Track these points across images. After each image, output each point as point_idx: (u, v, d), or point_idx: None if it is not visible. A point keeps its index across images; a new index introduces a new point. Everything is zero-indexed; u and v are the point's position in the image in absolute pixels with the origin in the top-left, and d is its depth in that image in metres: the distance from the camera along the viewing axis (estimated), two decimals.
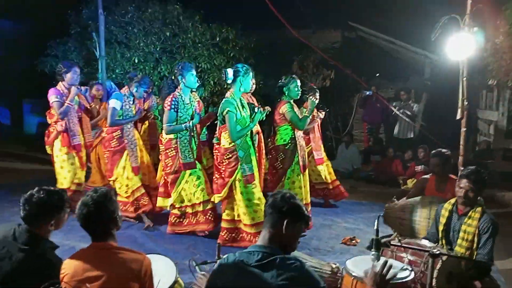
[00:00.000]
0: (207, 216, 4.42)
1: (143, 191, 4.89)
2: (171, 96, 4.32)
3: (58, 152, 4.93)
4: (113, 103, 4.70)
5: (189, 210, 4.43)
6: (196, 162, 4.43)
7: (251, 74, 4.21)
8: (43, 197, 2.23)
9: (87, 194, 2.14)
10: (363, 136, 9.83)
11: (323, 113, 5.60)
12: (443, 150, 4.22)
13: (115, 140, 4.77)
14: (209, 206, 4.43)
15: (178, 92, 4.33)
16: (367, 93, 9.09)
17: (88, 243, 2.18)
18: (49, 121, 5.04)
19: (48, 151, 5.04)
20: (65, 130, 4.88)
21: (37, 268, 2.13)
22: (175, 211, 4.44)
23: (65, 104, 4.80)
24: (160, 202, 4.60)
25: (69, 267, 2.07)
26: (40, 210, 2.22)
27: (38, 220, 2.23)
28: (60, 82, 4.89)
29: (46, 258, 2.18)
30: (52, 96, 4.81)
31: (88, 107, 5.58)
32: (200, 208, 4.40)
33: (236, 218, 4.19)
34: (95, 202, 2.08)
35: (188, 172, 4.34)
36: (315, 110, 5.45)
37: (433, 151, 4.28)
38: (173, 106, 4.24)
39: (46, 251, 2.21)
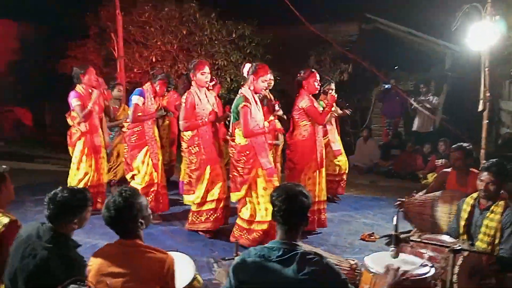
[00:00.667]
0: (221, 214, 4.39)
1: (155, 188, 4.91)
2: (187, 93, 4.34)
3: (79, 153, 5.04)
4: (136, 99, 4.74)
5: (209, 206, 4.41)
6: (218, 158, 4.42)
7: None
8: (66, 196, 2.27)
9: (112, 196, 2.18)
10: (383, 130, 9.70)
11: (348, 111, 5.55)
12: (464, 144, 4.13)
13: (135, 136, 4.80)
14: (222, 204, 4.38)
15: (193, 89, 4.33)
16: (386, 86, 8.95)
17: (109, 240, 2.23)
18: (69, 122, 5.16)
19: (70, 152, 5.17)
20: (88, 131, 5.00)
21: (61, 266, 2.16)
22: (196, 208, 4.44)
23: (88, 107, 4.93)
24: (187, 199, 4.57)
25: (95, 262, 2.12)
26: (64, 209, 2.26)
27: (61, 219, 2.27)
28: (78, 85, 5.00)
29: (69, 256, 2.22)
30: (73, 100, 4.93)
31: (107, 104, 5.62)
32: (216, 205, 4.37)
33: (251, 218, 4.12)
34: (116, 206, 2.11)
35: (208, 168, 4.33)
36: (337, 107, 5.44)
37: (454, 145, 4.19)
38: (189, 103, 4.25)
39: (69, 250, 2.25)
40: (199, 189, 4.35)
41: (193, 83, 4.36)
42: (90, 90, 5.06)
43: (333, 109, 4.98)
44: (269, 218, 4.04)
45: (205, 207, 4.38)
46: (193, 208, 4.45)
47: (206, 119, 4.31)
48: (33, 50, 10.82)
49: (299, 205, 1.98)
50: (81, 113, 4.91)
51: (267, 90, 5.35)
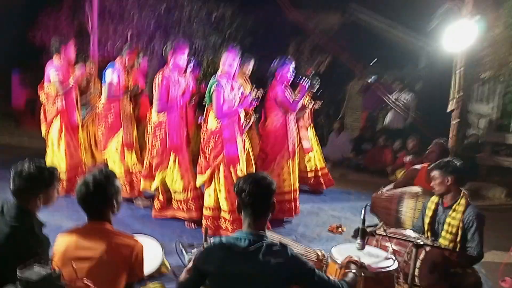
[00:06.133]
0: (188, 205, 4.30)
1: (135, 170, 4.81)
2: (161, 73, 4.17)
3: (56, 132, 4.84)
4: (109, 75, 4.57)
5: (172, 195, 4.34)
6: (184, 146, 4.32)
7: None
8: (33, 171, 2.20)
9: (91, 173, 2.13)
10: (357, 124, 9.81)
11: (319, 103, 5.57)
12: (445, 143, 4.27)
13: (112, 115, 4.65)
14: (189, 195, 4.29)
15: (167, 71, 4.18)
16: (371, 79, 8.90)
17: (75, 222, 2.17)
18: (42, 98, 4.90)
19: (43, 130, 4.93)
20: (65, 109, 4.79)
21: (25, 244, 2.11)
22: (160, 196, 4.34)
23: (70, 82, 4.72)
24: (144, 184, 4.47)
25: (62, 243, 2.07)
26: (30, 184, 2.19)
27: (27, 194, 2.20)
28: (55, 56, 4.76)
29: (33, 234, 2.16)
30: (52, 72, 4.68)
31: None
32: (181, 197, 4.29)
33: (216, 205, 4.09)
34: (96, 182, 2.07)
35: (173, 156, 4.23)
36: (311, 100, 5.45)
37: (436, 140, 4.31)
38: (164, 85, 4.11)
39: (34, 228, 2.18)
40: (159, 176, 4.25)
41: (169, 64, 4.21)
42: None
43: (305, 101, 4.95)
44: (227, 208, 4.02)
45: (170, 196, 4.28)
46: (158, 195, 4.35)
47: (181, 103, 4.20)
48: (1, 16, 10.27)
49: (265, 188, 1.97)
50: (60, 87, 4.69)
51: (245, 77, 5.33)
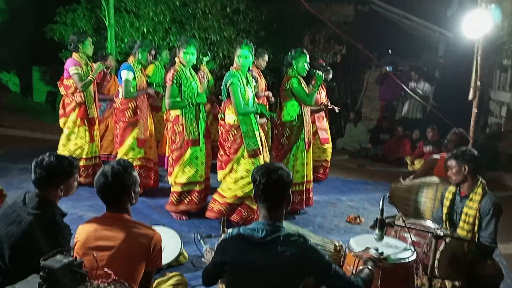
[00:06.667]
0: (202, 196, 4.33)
1: (143, 163, 4.86)
2: (172, 70, 4.17)
3: (71, 124, 4.94)
4: (125, 74, 4.62)
5: (188, 188, 4.31)
6: (201, 141, 4.31)
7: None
8: (53, 161, 2.25)
9: (110, 163, 2.17)
10: (374, 114, 9.70)
11: (338, 109, 5.54)
12: (464, 132, 4.20)
13: (130, 111, 4.70)
14: (201, 188, 4.30)
15: (179, 67, 4.17)
16: (388, 69, 8.75)
17: (95, 213, 2.22)
18: (62, 91, 5.01)
19: (61, 123, 5.04)
20: (84, 102, 4.90)
21: (46, 232, 2.15)
22: (177, 189, 4.32)
23: (89, 77, 4.82)
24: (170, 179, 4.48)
25: (82, 233, 2.11)
26: (50, 174, 2.23)
27: (48, 184, 2.24)
28: (74, 53, 4.87)
29: (55, 223, 2.21)
30: (72, 68, 4.78)
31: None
32: (197, 188, 4.29)
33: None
34: (114, 173, 2.11)
35: (189, 150, 4.23)
36: (329, 103, 5.44)
37: (455, 129, 4.24)
38: (174, 81, 4.09)
39: (55, 216, 2.23)
40: (177, 169, 4.26)
41: (176, 59, 4.22)
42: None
43: (323, 96, 4.92)
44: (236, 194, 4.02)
45: (185, 188, 4.27)
46: (172, 188, 4.36)
47: (193, 99, 4.21)
48: (20, 13, 10.48)
49: (279, 178, 1.95)
50: (79, 82, 4.79)
51: (258, 70, 5.32)
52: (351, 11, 10.15)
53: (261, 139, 4.15)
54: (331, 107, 5.47)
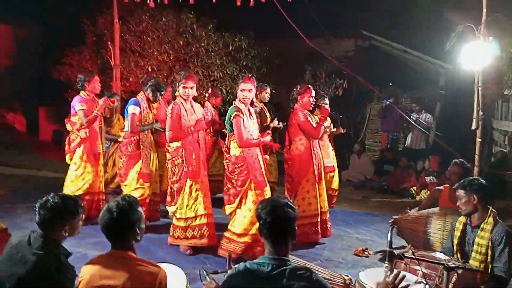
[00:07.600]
0: (202, 231, 4.26)
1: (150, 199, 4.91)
2: (173, 103, 4.30)
3: (78, 159, 5.03)
4: (132, 109, 4.75)
5: (192, 222, 4.28)
6: (201, 172, 4.33)
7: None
8: (57, 202, 2.24)
9: (114, 199, 2.16)
10: (377, 145, 9.72)
11: (343, 130, 5.60)
12: (465, 162, 4.18)
13: (132, 145, 4.78)
14: (204, 221, 4.26)
15: (179, 100, 4.29)
16: (388, 101, 8.87)
17: (100, 251, 2.19)
18: (68, 127, 5.15)
19: (67, 159, 5.13)
20: (88, 138, 5.00)
21: (50, 273, 2.12)
22: (179, 223, 4.29)
23: (94, 113, 4.96)
24: (169, 210, 4.45)
25: (86, 273, 2.08)
26: (55, 215, 2.22)
27: (52, 225, 2.24)
28: (81, 91, 5.03)
29: (60, 264, 2.18)
30: (78, 104, 4.96)
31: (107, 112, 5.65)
32: (196, 222, 4.25)
33: (244, 231, 4.06)
34: (119, 208, 2.10)
35: (189, 182, 4.25)
36: (331, 125, 5.51)
37: (455, 160, 4.23)
38: (175, 114, 4.20)
39: (60, 257, 2.21)
40: (179, 202, 4.26)
41: (177, 94, 4.33)
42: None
43: (326, 123, 5.01)
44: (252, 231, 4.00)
45: (188, 223, 4.25)
46: (175, 221, 4.33)
47: (191, 129, 4.25)
48: (28, 55, 10.78)
49: (284, 216, 1.95)
50: (84, 118, 4.92)
51: (262, 104, 5.42)
52: (351, 46, 10.41)
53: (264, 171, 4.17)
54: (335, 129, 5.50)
